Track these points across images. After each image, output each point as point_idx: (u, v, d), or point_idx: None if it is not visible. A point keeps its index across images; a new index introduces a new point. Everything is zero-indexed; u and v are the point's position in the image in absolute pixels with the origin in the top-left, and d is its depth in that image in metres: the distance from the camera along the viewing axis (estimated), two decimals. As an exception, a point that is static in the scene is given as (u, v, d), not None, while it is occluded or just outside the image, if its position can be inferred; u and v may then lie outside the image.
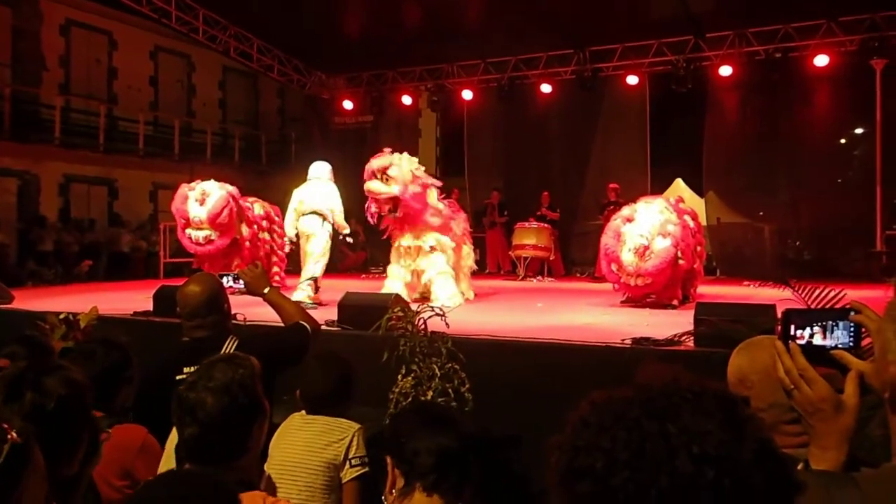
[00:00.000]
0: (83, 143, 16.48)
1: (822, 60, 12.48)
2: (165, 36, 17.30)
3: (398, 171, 8.41)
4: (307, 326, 3.02)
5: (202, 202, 9.50)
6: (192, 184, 9.87)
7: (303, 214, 8.90)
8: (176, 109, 19.07)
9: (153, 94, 19.12)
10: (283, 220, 9.75)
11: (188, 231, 9.56)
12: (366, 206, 8.81)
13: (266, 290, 3.16)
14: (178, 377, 2.71)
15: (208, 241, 9.47)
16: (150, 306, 7.10)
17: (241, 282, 3.24)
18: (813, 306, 3.78)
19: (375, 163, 8.53)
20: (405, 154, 8.71)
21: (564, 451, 0.77)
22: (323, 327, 6.28)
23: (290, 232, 9.09)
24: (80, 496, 1.87)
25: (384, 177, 8.40)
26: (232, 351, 2.72)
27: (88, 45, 17.58)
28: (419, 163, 8.87)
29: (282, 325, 3.17)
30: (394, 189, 8.34)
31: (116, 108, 17.76)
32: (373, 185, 8.43)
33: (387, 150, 8.76)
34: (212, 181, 9.90)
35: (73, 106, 16.86)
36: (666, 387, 0.78)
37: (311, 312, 3.45)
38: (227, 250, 9.81)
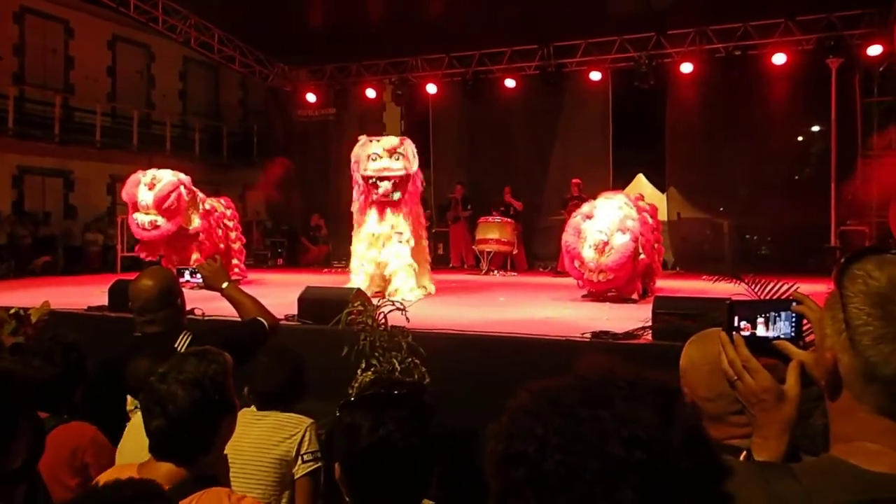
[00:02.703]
0: (38, 134, 16.07)
1: (779, 59, 12.71)
2: (124, 25, 16.95)
3: (409, 150, 8.58)
4: (264, 322, 2.99)
5: (151, 187, 9.46)
6: (147, 171, 9.83)
7: None
8: (135, 100, 18.70)
9: (111, 84, 18.73)
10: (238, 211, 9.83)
11: (135, 215, 9.54)
12: (358, 193, 8.77)
13: (224, 285, 3.11)
14: (128, 373, 2.66)
15: (154, 225, 9.45)
16: (105, 301, 6.97)
17: (200, 276, 3.19)
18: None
19: (386, 141, 8.60)
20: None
21: (501, 439, 0.78)
22: (282, 322, 6.26)
23: None
24: (21, 492, 1.82)
25: (395, 155, 8.46)
26: (185, 347, 2.68)
27: (44, 34, 17.15)
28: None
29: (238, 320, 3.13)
30: (411, 166, 8.51)
31: (73, 99, 17.36)
32: (389, 163, 8.44)
33: (363, 137, 8.82)
34: (166, 170, 9.88)
35: (28, 96, 16.45)
36: (602, 376, 0.80)
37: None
38: (178, 242, 9.71)
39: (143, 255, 9.95)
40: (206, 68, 20.04)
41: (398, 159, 8.42)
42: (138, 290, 2.88)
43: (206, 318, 5.86)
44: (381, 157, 8.42)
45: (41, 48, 17.08)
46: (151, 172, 9.74)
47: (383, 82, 16.21)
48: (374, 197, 8.52)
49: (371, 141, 8.67)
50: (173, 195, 9.48)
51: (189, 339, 2.78)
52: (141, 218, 9.50)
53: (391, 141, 8.65)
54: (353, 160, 8.70)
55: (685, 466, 0.73)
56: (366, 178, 8.49)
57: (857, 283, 1.04)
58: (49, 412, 2.62)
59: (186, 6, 14.21)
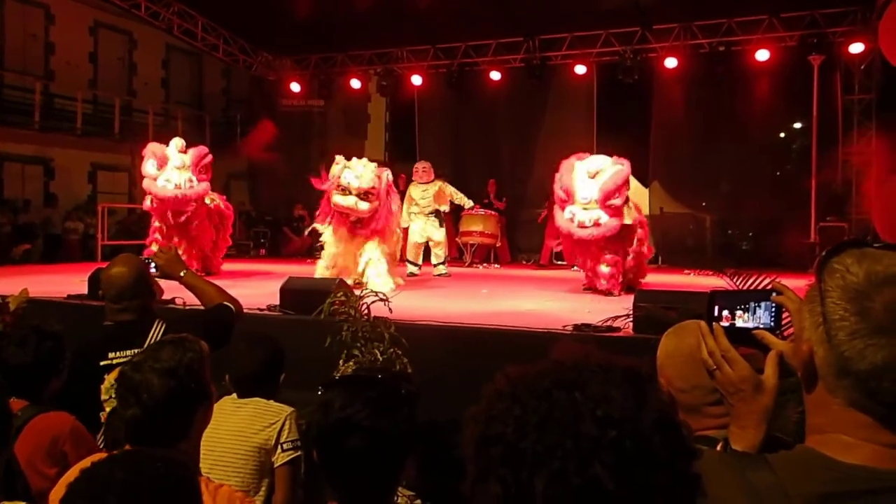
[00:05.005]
0: (17, 120, 15.82)
1: (763, 55, 12.77)
2: (106, 11, 16.70)
3: (380, 189, 8.31)
4: (231, 307, 2.97)
5: (184, 151, 9.95)
6: (174, 138, 10.20)
7: None
8: (116, 88, 18.46)
9: (92, 71, 18.47)
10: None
11: (166, 172, 9.55)
12: (318, 212, 8.72)
13: (182, 273, 3.09)
14: (102, 363, 2.63)
15: (190, 183, 9.59)
16: (84, 289, 6.90)
17: (154, 265, 3.13)
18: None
19: (363, 178, 8.17)
20: (371, 165, 8.49)
21: (479, 421, 0.82)
22: (265, 312, 6.24)
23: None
24: None
25: (364, 194, 8.18)
26: (159, 335, 2.65)
27: (23, 19, 16.88)
28: (368, 150, 8.74)
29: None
30: (373, 205, 8.24)
31: (53, 85, 17.11)
32: (359, 205, 8.16)
33: (339, 157, 8.56)
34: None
35: (7, 82, 16.21)
36: (577, 361, 0.83)
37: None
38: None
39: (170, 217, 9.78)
40: (189, 56, 19.81)
41: (366, 198, 8.19)
42: (112, 277, 2.83)
43: (186, 307, 5.81)
44: (351, 193, 8.16)
45: (21, 33, 16.81)
46: (180, 140, 10.08)
47: (368, 73, 16.13)
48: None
49: (345, 169, 8.32)
50: (207, 159, 9.91)
51: (163, 327, 2.75)
52: (177, 176, 9.42)
53: (367, 179, 8.22)
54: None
55: (656, 446, 0.76)
56: (335, 206, 8.33)
57: (835, 278, 1.05)
58: (28, 400, 2.59)
59: (169, -8, 14.07)
